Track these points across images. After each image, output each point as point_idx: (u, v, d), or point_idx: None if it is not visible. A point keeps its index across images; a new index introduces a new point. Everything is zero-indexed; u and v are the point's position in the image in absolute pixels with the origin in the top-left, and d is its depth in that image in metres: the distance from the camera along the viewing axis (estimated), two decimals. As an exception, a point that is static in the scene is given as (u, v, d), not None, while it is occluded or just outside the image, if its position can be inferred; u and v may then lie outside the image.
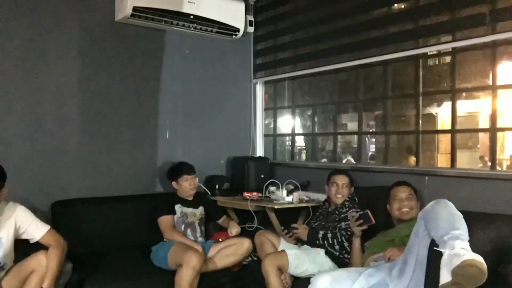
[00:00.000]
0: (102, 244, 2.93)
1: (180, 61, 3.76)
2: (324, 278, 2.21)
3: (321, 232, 2.81)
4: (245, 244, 2.95)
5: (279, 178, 3.65)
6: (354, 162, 3.73)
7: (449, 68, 2.98)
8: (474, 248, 1.94)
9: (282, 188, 3.46)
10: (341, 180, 2.98)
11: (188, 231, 3.13)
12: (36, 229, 2.38)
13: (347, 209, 2.87)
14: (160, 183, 3.63)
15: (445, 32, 2.82)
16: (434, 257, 1.78)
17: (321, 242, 2.77)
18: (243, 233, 3.26)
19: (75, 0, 3.22)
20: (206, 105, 3.92)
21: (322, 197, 3.26)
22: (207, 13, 3.56)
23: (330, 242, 2.75)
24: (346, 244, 2.73)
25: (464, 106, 3.21)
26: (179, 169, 3.28)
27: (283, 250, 2.74)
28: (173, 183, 3.26)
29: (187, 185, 3.20)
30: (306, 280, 2.38)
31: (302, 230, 2.90)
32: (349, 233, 2.73)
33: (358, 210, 2.79)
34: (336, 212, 2.91)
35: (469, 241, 1.76)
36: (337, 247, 2.73)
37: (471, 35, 2.65)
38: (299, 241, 2.99)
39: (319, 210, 3.13)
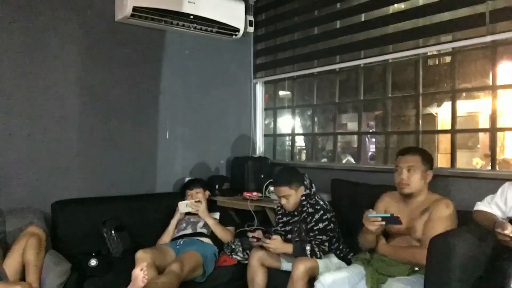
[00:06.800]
0: (102, 244, 2.92)
1: (180, 61, 3.76)
2: (328, 276, 2.27)
3: (308, 247, 2.56)
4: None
5: (279, 178, 3.64)
6: (354, 162, 3.73)
7: (449, 68, 2.98)
8: (475, 244, 1.96)
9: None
10: (279, 193, 2.73)
11: (189, 227, 3.16)
12: None
13: (305, 209, 2.70)
14: (160, 183, 3.63)
15: (445, 32, 2.82)
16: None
17: (309, 253, 2.55)
18: (243, 234, 3.27)
19: (75, 0, 3.22)
20: (206, 105, 3.92)
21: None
22: (207, 13, 3.56)
23: (309, 252, 2.56)
24: (320, 253, 2.57)
25: (464, 106, 3.21)
26: (183, 186, 3.39)
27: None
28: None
29: (190, 199, 3.24)
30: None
31: (275, 243, 2.58)
32: (319, 240, 2.61)
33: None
34: (302, 217, 2.72)
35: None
36: (333, 251, 2.66)
37: (471, 35, 2.66)
38: None
39: (282, 217, 2.88)
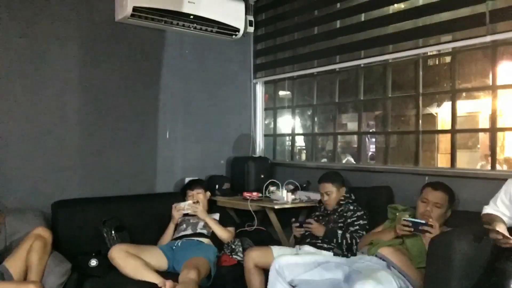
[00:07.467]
0: (102, 244, 2.92)
1: (180, 61, 3.76)
2: (283, 258, 2.43)
3: (339, 232, 2.76)
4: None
5: (279, 178, 3.65)
6: (354, 162, 3.73)
7: (449, 68, 2.98)
8: (475, 245, 1.97)
9: (282, 188, 3.46)
10: (323, 188, 2.98)
11: (189, 228, 3.15)
12: None
13: (343, 208, 2.91)
14: (160, 183, 3.63)
15: (445, 32, 2.82)
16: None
17: (339, 241, 2.73)
18: (243, 234, 3.28)
19: (75, 0, 3.22)
20: (206, 105, 3.92)
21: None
22: (207, 13, 3.56)
23: (345, 242, 2.72)
24: (355, 247, 2.70)
25: (464, 106, 3.20)
26: (184, 186, 3.40)
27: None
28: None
29: (190, 200, 3.24)
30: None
31: (316, 226, 2.82)
32: (360, 234, 2.75)
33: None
34: (336, 214, 2.91)
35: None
36: (344, 247, 2.72)
37: (471, 35, 2.65)
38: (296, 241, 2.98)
39: (316, 212, 3.08)
